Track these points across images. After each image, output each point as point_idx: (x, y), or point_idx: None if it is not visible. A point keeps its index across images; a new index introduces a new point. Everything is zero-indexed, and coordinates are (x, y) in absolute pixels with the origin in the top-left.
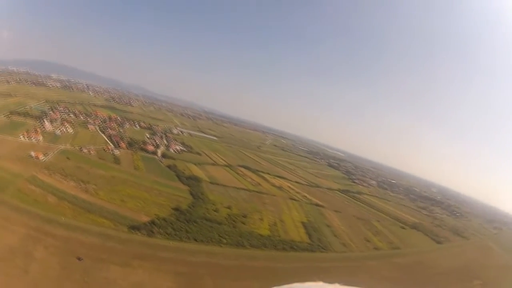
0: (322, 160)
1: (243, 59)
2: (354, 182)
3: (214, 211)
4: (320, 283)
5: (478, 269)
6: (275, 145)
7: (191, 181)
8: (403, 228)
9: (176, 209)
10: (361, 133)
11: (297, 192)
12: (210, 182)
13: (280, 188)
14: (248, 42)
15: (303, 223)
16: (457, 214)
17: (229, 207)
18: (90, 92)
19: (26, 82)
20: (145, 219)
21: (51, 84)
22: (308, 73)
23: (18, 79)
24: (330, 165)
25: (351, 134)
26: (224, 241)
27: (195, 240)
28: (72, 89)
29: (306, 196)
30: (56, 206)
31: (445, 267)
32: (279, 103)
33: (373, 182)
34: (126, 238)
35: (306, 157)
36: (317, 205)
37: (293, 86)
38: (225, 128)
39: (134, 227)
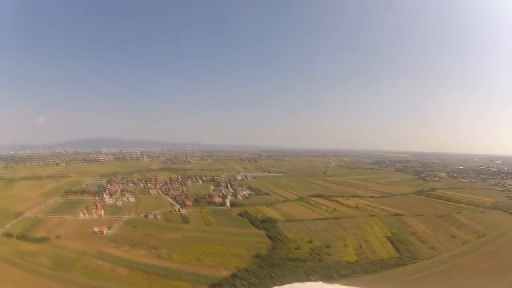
0: (389, 167)
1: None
2: (425, 180)
3: (296, 249)
4: (320, 283)
5: None
6: (340, 166)
7: (266, 223)
8: (483, 212)
9: (256, 256)
10: (415, 127)
11: (374, 207)
12: (286, 220)
13: (356, 208)
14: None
15: (387, 237)
16: None
17: (310, 241)
18: (145, 159)
19: (77, 161)
20: (225, 273)
21: (103, 159)
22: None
23: (68, 160)
24: (398, 170)
25: (407, 132)
26: (312, 278)
27: (281, 284)
28: (126, 159)
29: (384, 209)
30: (129, 277)
31: None
32: (328, 123)
33: (443, 174)
34: None
35: (373, 169)
36: (396, 214)
37: (333, 101)
38: (288, 162)
39: (215, 284)
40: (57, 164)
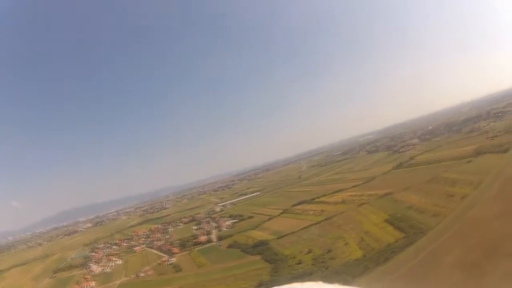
0: (360, 152)
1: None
2: (400, 152)
3: (298, 264)
4: (320, 283)
5: None
6: (312, 166)
7: (259, 247)
8: (470, 161)
9: (259, 284)
10: (372, 105)
11: (361, 195)
12: (277, 238)
13: (343, 202)
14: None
15: (386, 220)
16: (499, 114)
17: (309, 251)
18: (123, 217)
19: (58, 237)
20: None
21: (82, 229)
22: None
23: (49, 238)
24: (370, 152)
25: (366, 112)
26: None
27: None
28: (105, 223)
29: (371, 194)
30: None
31: None
32: (288, 129)
33: (415, 140)
34: None
35: (345, 159)
36: (385, 194)
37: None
38: (261, 179)
39: None
40: (40, 244)
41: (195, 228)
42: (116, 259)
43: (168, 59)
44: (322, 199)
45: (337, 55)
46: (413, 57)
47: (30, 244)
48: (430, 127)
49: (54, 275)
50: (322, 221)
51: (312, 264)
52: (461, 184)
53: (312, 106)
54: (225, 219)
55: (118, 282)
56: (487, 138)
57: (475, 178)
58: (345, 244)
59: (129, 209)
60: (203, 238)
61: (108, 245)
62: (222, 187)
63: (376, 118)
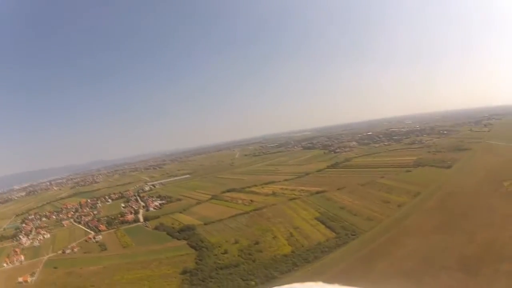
0: (295, 147)
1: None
2: (337, 152)
3: (224, 253)
4: (320, 283)
5: (499, 172)
6: (245, 155)
7: (185, 232)
8: (409, 171)
9: (184, 272)
10: (312, 104)
11: (292, 190)
12: (204, 224)
13: (274, 194)
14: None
15: (317, 218)
16: (445, 132)
17: (236, 241)
18: (55, 187)
19: None
20: None
21: (16, 197)
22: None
23: None
24: (305, 148)
25: (304, 110)
26: (252, 283)
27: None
28: (37, 192)
29: (303, 189)
30: None
31: (470, 185)
32: (225, 116)
33: (353, 143)
34: None
35: (279, 152)
36: (318, 192)
37: (227, 92)
38: (193, 162)
39: None
40: None
41: (123, 205)
42: (45, 232)
43: None
44: (252, 189)
45: (285, 51)
46: (366, 68)
47: None
48: (369, 133)
49: None
50: (251, 211)
51: (239, 255)
52: (398, 192)
53: (252, 97)
54: (153, 199)
55: (45, 257)
56: (429, 152)
57: (413, 188)
58: (273, 237)
59: (61, 180)
60: (130, 217)
61: (39, 216)
62: (153, 166)
63: (315, 117)
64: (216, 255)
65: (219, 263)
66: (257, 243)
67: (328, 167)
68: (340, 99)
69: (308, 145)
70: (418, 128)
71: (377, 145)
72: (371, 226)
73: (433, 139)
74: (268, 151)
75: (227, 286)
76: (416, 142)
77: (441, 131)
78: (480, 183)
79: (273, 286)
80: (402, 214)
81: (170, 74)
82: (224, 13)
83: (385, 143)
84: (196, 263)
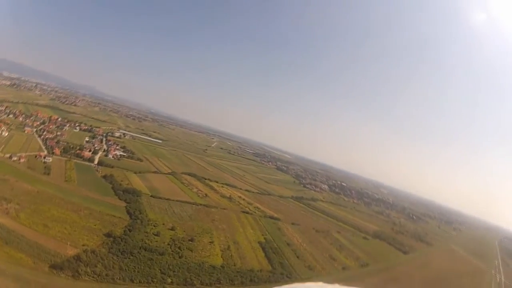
0: (270, 163)
1: (189, 61)
2: (306, 187)
3: (155, 235)
4: (320, 283)
5: (451, 279)
6: (221, 148)
7: (129, 195)
8: (366, 238)
9: (109, 235)
10: (306, 134)
11: (249, 203)
12: (151, 196)
13: (230, 199)
14: (194, 43)
15: (260, 243)
16: (414, 217)
17: (172, 228)
18: (37, 91)
19: None
20: (70, 252)
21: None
22: (252, 75)
23: None
24: (279, 169)
25: (296, 135)
26: (169, 280)
27: (131, 281)
28: (20, 88)
29: (259, 208)
30: None
31: (419, 280)
32: (224, 104)
33: (325, 186)
34: (45, 284)
35: (254, 160)
36: (272, 217)
37: (238, 87)
38: (171, 130)
39: (56, 266)
40: None
41: (87, 139)
42: (5, 129)
43: None
44: (212, 183)
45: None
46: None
47: None
48: (343, 184)
49: None
50: (201, 205)
51: (168, 244)
52: (347, 254)
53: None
54: (117, 147)
55: None
56: (392, 229)
57: (364, 257)
58: (210, 242)
59: (47, 87)
60: (87, 153)
61: (8, 111)
62: (134, 116)
63: (301, 144)
64: (147, 233)
65: (146, 242)
66: (192, 239)
67: (292, 197)
68: (321, 138)
69: (283, 167)
70: (391, 202)
71: (346, 198)
72: (308, 276)
73: (400, 218)
74: (243, 155)
75: (141, 271)
76: (384, 213)
77: (411, 215)
78: (426, 280)
79: (273, 287)
80: (343, 277)
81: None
82: None
83: (355, 201)
84: (124, 232)
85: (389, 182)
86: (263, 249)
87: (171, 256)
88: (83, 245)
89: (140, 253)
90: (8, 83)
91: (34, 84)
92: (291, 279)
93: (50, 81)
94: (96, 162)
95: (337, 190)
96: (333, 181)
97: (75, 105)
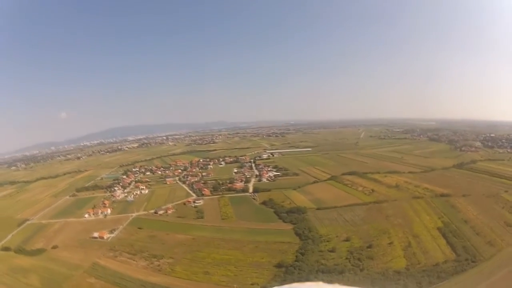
0: (421, 136)
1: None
2: (462, 151)
3: (330, 251)
4: (320, 283)
5: None
6: (370, 136)
7: (294, 215)
8: None
9: (280, 265)
10: (439, 94)
11: (417, 186)
12: (317, 208)
13: (397, 187)
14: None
15: (439, 229)
16: None
17: (347, 239)
18: (170, 143)
19: (100, 152)
20: None
21: (127, 147)
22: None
23: (91, 152)
24: (431, 139)
25: (431, 99)
26: None
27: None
28: (150, 145)
29: (427, 188)
30: None
31: None
32: (354, 92)
33: (478, 143)
34: None
35: (405, 138)
36: (442, 195)
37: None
38: (316, 135)
39: None
40: (78, 158)
41: (236, 171)
42: (144, 187)
43: None
44: (375, 176)
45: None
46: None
47: (69, 156)
48: (492, 135)
49: (76, 193)
50: (370, 203)
51: (346, 258)
52: None
53: (383, 76)
54: (268, 169)
55: (134, 215)
56: None
57: None
58: (389, 243)
59: (179, 136)
60: (239, 185)
61: (144, 169)
62: (276, 133)
63: (438, 108)
64: (321, 252)
65: (322, 263)
66: (370, 246)
67: (454, 165)
68: (464, 93)
69: (434, 136)
70: None
71: (501, 150)
72: (491, 254)
73: None
74: (394, 136)
75: None
76: None
77: None
78: None
79: (273, 286)
80: None
81: (294, 43)
82: None
83: (509, 150)
84: (297, 256)
85: None
86: (443, 235)
87: (352, 272)
88: (252, 284)
89: (317, 278)
90: (136, 145)
91: (164, 138)
92: (475, 262)
93: (180, 129)
94: (251, 190)
95: (489, 144)
96: (483, 135)
97: (213, 142)
